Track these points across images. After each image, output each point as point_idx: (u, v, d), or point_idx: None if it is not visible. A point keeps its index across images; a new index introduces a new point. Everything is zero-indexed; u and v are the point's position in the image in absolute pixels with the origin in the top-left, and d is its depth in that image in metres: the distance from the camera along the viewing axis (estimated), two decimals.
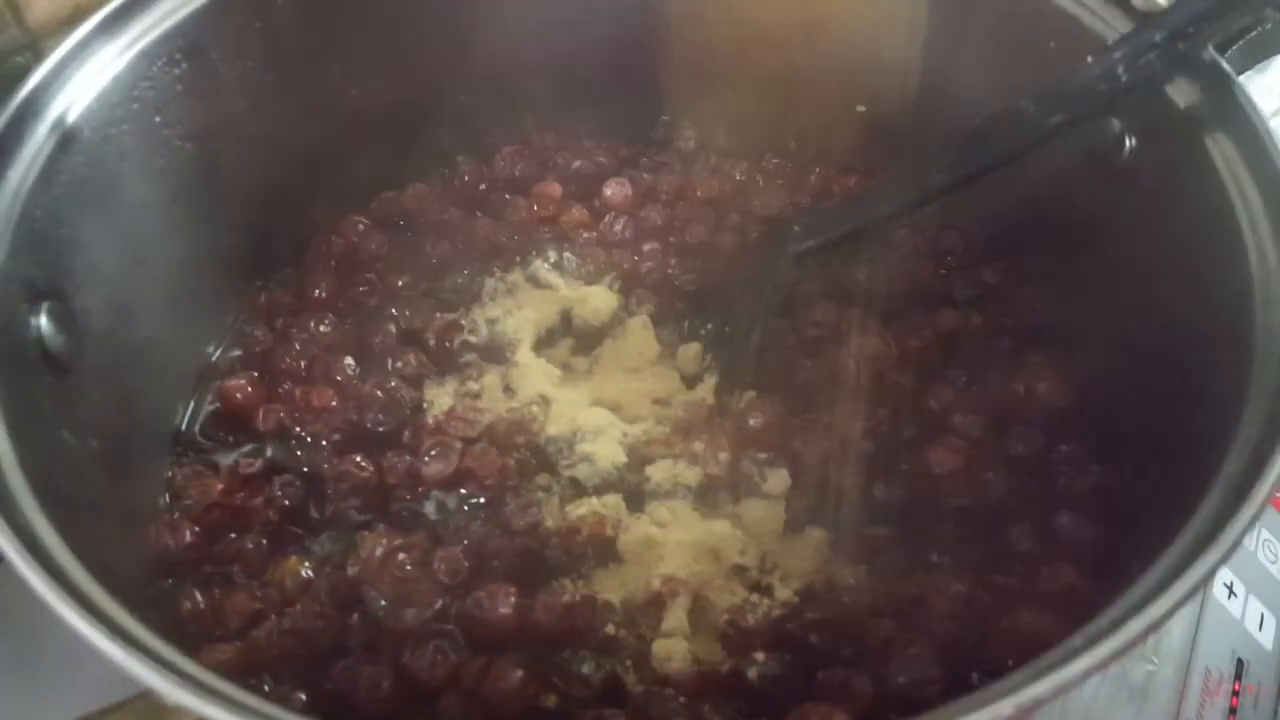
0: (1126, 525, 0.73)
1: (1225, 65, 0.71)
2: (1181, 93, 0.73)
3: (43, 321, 0.67)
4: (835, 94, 1.01)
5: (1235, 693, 0.90)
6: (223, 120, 0.86)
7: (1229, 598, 0.95)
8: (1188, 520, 0.56)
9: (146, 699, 0.48)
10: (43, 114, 0.71)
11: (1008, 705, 0.45)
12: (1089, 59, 0.73)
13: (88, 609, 0.51)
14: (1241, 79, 1.19)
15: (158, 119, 0.80)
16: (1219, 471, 0.58)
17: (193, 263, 0.87)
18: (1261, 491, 0.55)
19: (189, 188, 0.84)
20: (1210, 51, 0.71)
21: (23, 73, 0.71)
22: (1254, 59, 1.30)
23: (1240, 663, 0.91)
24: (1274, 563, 1.01)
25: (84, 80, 0.73)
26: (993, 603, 0.72)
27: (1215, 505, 0.56)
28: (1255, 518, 0.54)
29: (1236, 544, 0.53)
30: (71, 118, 0.72)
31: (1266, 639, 0.95)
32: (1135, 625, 0.48)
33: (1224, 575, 0.96)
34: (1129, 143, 0.77)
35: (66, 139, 0.71)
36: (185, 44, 0.80)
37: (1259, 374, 0.61)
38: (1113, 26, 0.76)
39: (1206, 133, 0.71)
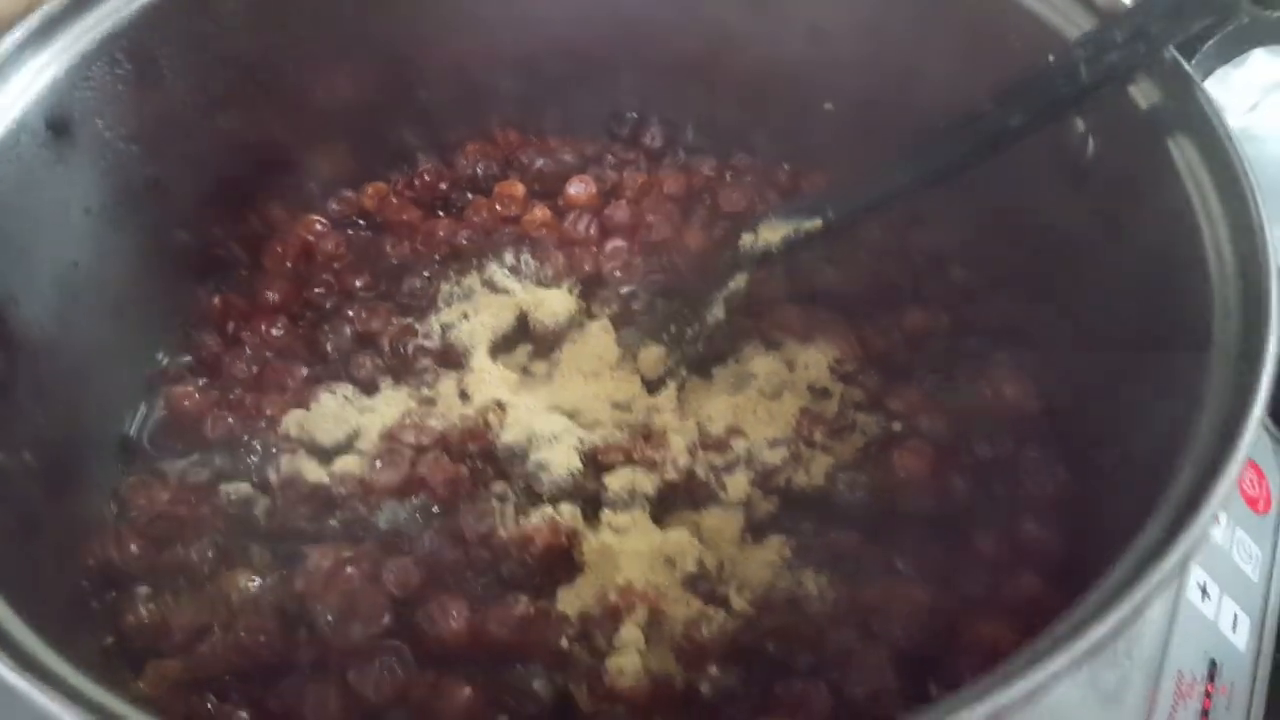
0: (1092, 532, 0.72)
1: (1187, 66, 0.70)
2: (1144, 93, 0.71)
3: None
4: (803, 92, 1.00)
5: (1208, 694, 0.89)
6: (171, 121, 0.84)
7: (1202, 599, 0.94)
8: (1145, 521, 0.55)
9: None
10: None
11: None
12: (1050, 58, 0.72)
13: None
14: (1219, 73, 1.19)
15: (99, 122, 0.78)
16: (1175, 477, 0.57)
17: (141, 267, 0.85)
18: (1216, 495, 0.54)
19: (135, 191, 0.83)
20: (1172, 52, 0.70)
21: None
22: (1230, 54, 1.29)
23: (1213, 664, 0.90)
24: (1248, 562, 1.00)
25: (18, 87, 0.71)
26: (955, 611, 0.71)
27: (1173, 507, 0.55)
28: (1211, 519, 0.53)
29: (1198, 543, 0.52)
30: (5, 125, 0.70)
31: (1240, 640, 0.94)
32: (1099, 629, 0.47)
33: (1197, 575, 0.95)
34: (1092, 143, 0.76)
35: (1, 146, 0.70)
36: (128, 45, 0.78)
37: (1215, 374, 0.60)
38: (1075, 24, 0.75)
39: (1168, 134, 0.69)
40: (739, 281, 0.86)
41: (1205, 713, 0.88)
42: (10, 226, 0.71)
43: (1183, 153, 0.68)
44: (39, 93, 0.72)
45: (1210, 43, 1.29)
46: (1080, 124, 0.76)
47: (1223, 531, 1.00)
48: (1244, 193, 0.65)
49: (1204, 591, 0.95)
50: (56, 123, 0.73)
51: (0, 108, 0.70)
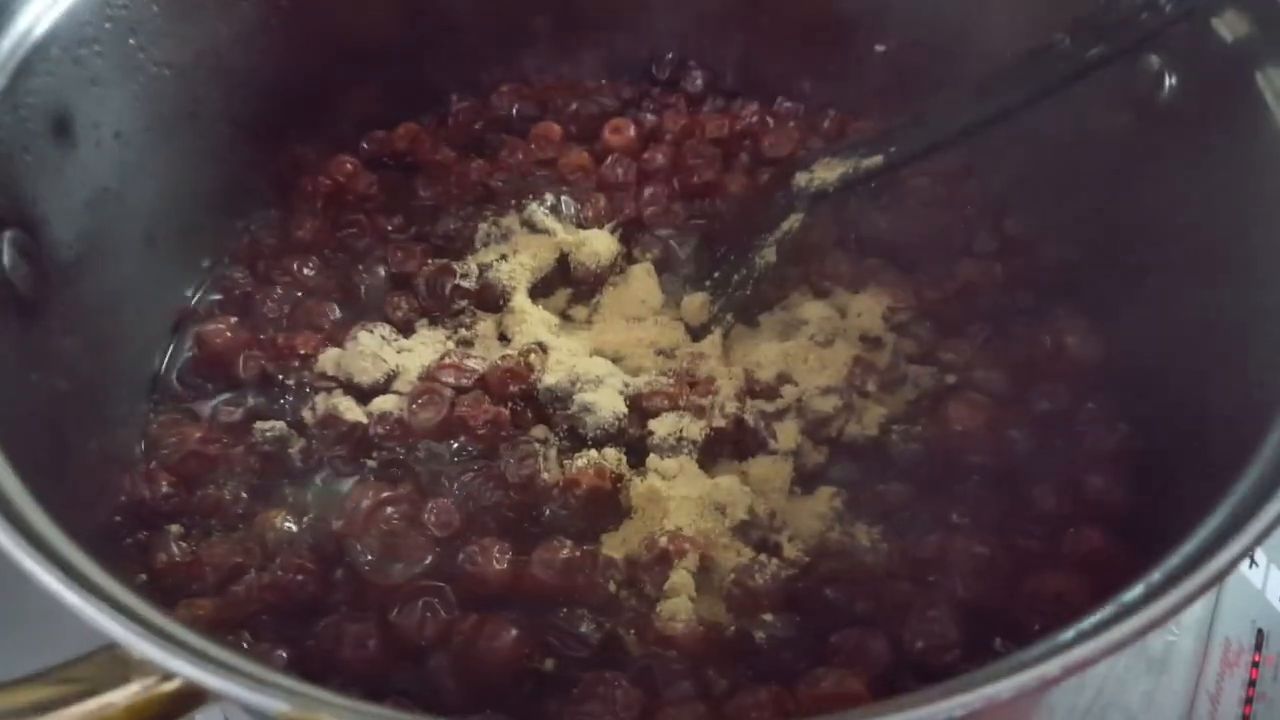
0: (1156, 488, 0.70)
1: None
2: (1229, 25, 0.68)
3: (3, 250, 0.63)
4: (853, 33, 0.97)
5: (1255, 664, 0.87)
6: (203, 47, 0.82)
7: (1250, 567, 0.92)
8: (1228, 487, 0.52)
9: (112, 652, 0.45)
10: (7, 29, 0.66)
11: (1055, 665, 0.42)
12: None
13: (49, 557, 0.48)
14: None
15: (132, 41, 0.75)
16: (1263, 439, 0.54)
17: (170, 198, 0.83)
18: None
19: (166, 118, 0.80)
20: None
21: None
22: None
23: (1260, 633, 0.88)
24: None
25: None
26: (1016, 565, 0.69)
27: (1261, 468, 0.52)
28: None
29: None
30: (38, 33, 0.67)
31: None
32: (1189, 585, 0.45)
33: None
34: (1169, 81, 0.73)
35: (32, 57, 0.67)
36: None
37: None
38: None
39: (1257, 69, 0.66)
40: (793, 222, 0.83)
41: (1252, 682, 0.86)
42: (45, 144, 0.68)
43: (1274, 89, 0.65)
44: (72, 3, 0.69)
45: None
46: (1155, 60, 0.73)
47: None
48: None
49: (1251, 560, 0.93)
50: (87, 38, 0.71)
51: (30, 19, 0.67)
